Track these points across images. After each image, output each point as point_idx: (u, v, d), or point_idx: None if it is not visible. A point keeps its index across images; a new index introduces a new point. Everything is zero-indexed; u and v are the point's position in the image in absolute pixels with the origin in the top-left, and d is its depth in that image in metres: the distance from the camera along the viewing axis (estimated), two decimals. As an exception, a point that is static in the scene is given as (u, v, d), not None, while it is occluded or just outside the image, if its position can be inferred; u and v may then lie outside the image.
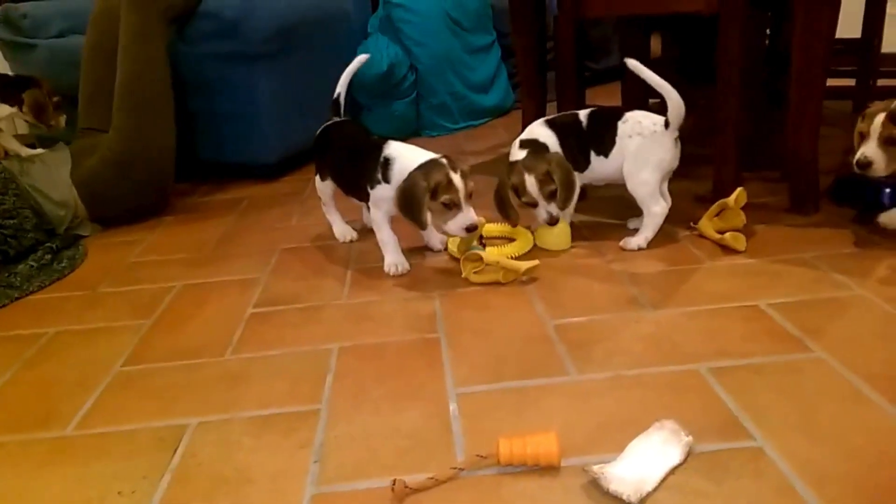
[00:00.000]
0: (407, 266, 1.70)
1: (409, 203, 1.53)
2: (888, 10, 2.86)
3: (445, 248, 1.81)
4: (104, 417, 1.20)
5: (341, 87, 1.98)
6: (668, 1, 1.88)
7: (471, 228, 1.53)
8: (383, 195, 1.64)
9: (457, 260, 1.69)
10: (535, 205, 1.68)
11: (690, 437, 0.97)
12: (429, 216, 1.55)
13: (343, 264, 1.80)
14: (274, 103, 2.66)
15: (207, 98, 2.64)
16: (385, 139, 1.68)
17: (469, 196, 1.54)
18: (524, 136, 1.80)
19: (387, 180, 1.61)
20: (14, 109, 2.27)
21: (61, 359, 1.42)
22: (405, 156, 1.60)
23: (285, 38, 2.64)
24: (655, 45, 2.79)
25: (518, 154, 1.73)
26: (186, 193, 2.65)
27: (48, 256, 1.98)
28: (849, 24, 2.35)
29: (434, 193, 1.51)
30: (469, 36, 3.49)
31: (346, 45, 3.15)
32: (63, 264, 1.96)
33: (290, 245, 1.98)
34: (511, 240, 1.82)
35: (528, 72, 2.27)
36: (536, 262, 1.58)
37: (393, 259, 1.71)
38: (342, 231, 1.98)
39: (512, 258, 1.70)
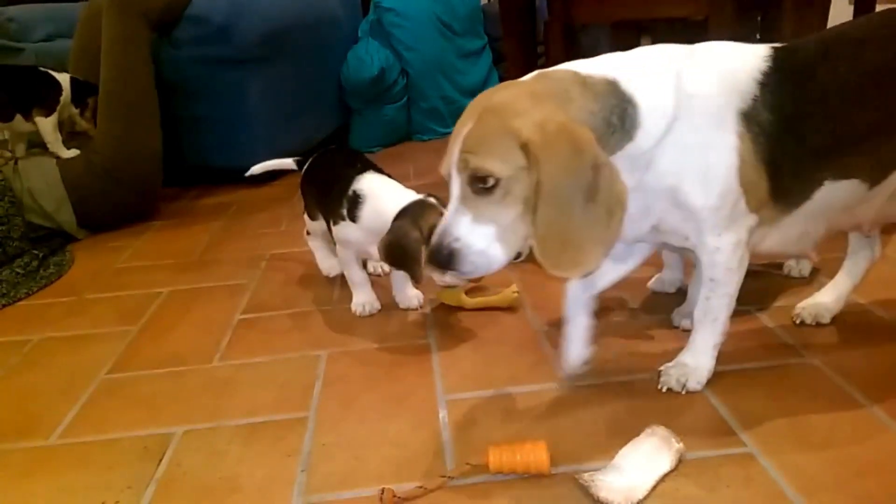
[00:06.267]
0: (377, 306, 1.51)
1: (402, 258, 1.30)
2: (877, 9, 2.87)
3: (419, 307, 1.53)
4: (88, 426, 1.18)
5: None
6: (659, 5, 1.88)
7: None
8: (347, 235, 1.42)
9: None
10: None
11: (681, 444, 0.96)
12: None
13: (332, 269, 1.79)
14: (263, 108, 2.65)
15: (196, 102, 2.62)
16: (364, 169, 1.44)
17: None
18: None
19: (353, 219, 1.39)
20: (77, 111, 2.32)
21: (45, 366, 1.40)
22: (380, 195, 1.36)
23: (274, 43, 2.63)
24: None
25: None
26: (174, 198, 2.63)
27: (35, 263, 1.96)
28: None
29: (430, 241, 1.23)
30: (460, 40, 3.49)
31: (336, 50, 3.15)
32: (50, 270, 1.94)
33: (278, 250, 1.97)
34: None
35: (519, 76, 2.26)
36: (514, 288, 1.47)
37: (362, 298, 1.51)
38: (329, 266, 1.72)
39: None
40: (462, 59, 3.51)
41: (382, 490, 0.92)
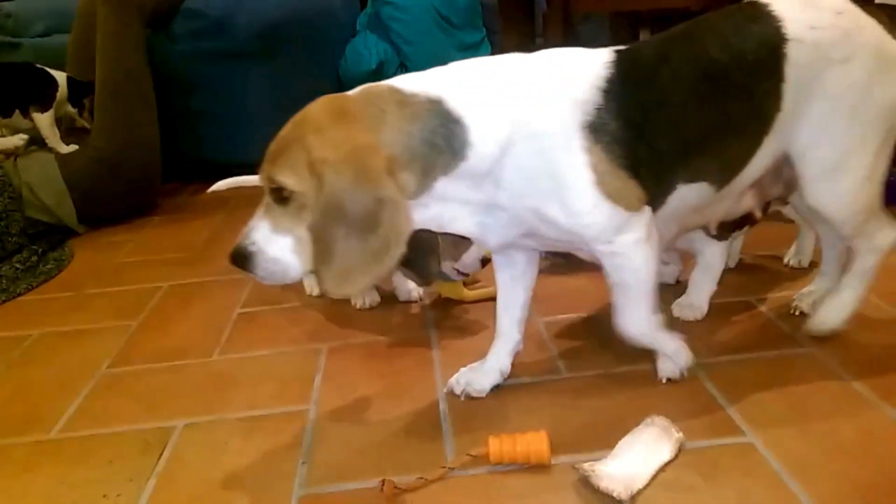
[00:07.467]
0: (377, 298, 1.51)
1: (414, 252, 1.12)
2: (876, 2, 2.86)
3: (419, 299, 1.53)
4: (89, 420, 1.18)
5: None
6: (657, -4, 1.88)
7: (485, 259, 1.30)
8: None
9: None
10: None
11: (681, 434, 0.96)
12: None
13: (332, 263, 1.78)
14: (261, 101, 2.64)
15: (195, 96, 2.62)
16: None
17: None
18: None
19: None
20: (74, 111, 2.34)
21: (46, 361, 1.40)
22: None
23: (272, 37, 2.62)
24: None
25: None
26: (174, 193, 2.63)
27: (34, 258, 1.96)
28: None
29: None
30: (459, 33, 3.48)
31: (334, 43, 3.14)
32: (49, 265, 1.94)
33: (278, 244, 1.96)
34: None
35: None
36: None
37: None
38: (312, 281, 1.59)
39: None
40: (461, 52, 3.50)
41: (383, 481, 0.92)
